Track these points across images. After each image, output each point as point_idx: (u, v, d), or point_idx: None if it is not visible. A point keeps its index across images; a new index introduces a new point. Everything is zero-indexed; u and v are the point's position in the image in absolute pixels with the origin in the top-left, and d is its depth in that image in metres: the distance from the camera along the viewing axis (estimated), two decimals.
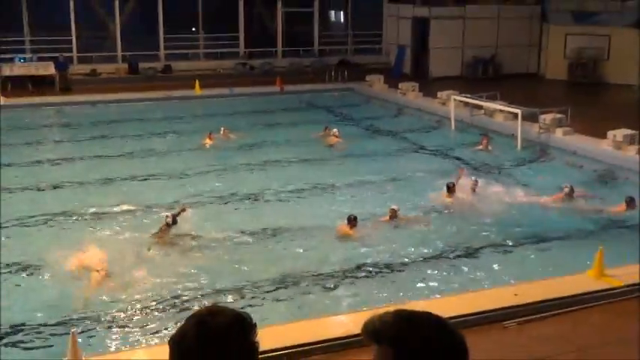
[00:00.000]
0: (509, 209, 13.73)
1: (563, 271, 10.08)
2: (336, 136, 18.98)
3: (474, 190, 14.35)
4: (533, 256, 11.40)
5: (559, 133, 18.53)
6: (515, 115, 19.07)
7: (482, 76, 29.73)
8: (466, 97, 21.35)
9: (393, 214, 12.53)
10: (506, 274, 10.63)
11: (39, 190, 14.86)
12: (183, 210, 12.32)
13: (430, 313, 2.19)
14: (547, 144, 18.58)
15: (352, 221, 11.79)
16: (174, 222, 11.83)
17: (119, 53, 29.68)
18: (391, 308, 2.22)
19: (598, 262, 9.41)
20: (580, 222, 12.97)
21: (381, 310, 2.21)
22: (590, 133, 18.36)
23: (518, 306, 8.63)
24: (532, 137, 18.82)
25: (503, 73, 30.28)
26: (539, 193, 14.72)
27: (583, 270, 9.65)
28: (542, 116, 18.97)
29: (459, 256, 11.33)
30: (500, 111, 20.44)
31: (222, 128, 19.05)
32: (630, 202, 13.13)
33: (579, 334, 8.23)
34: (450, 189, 13.92)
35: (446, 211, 13.67)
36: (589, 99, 25.50)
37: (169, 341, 2.18)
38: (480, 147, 18.46)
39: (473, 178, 14.76)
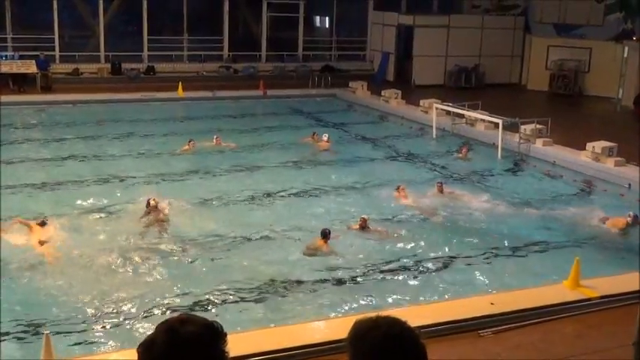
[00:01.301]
0: (483, 218, 13.83)
1: (537, 281, 10.19)
2: (327, 141, 19.04)
3: (441, 192, 14.84)
4: (509, 265, 11.46)
5: (539, 143, 18.68)
6: (497, 125, 19.20)
7: (465, 85, 29.91)
8: (448, 105, 21.46)
9: (363, 224, 12.50)
10: (480, 283, 10.70)
11: (8, 187, 14.59)
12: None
13: (395, 319, 2.33)
14: (527, 154, 18.72)
15: (327, 236, 11.68)
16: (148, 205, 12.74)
17: (102, 53, 29.52)
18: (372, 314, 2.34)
19: (574, 273, 9.49)
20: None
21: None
22: (570, 145, 18.52)
23: (494, 315, 8.67)
24: (512, 147, 18.96)
25: (486, 82, 30.47)
26: (517, 202, 14.86)
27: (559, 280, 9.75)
28: (523, 126, 19.11)
29: (429, 266, 11.32)
30: (482, 120, 20.57)
31: (215, 137, 18.88)
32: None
33: (553, 344, 8.28)
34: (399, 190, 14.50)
35: (417, 219, 13.72)
36: (569, 110, 25.71)
37: (138, 348, 2.17)
38: (460, 155, 18.63)
39: (449, 189, 14.99)
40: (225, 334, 2.19)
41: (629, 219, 13.08)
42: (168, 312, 9.22)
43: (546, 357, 7.92)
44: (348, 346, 2.30)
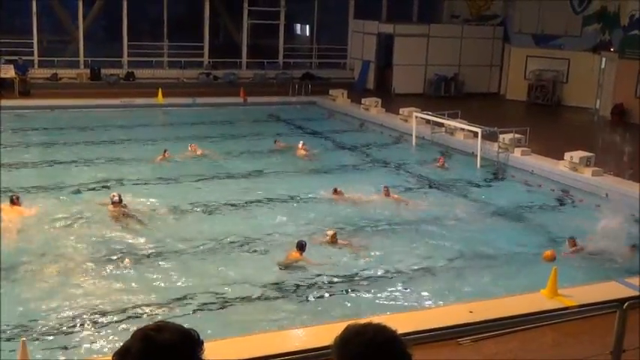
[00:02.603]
0: (460, 226, 13.90)
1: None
2: (305, 150, 19.09)
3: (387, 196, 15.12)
4: (484, 276, 11.49)
5: (517, 152, 18.81)
6: (476, 134, 19.31)
7: (445, 94, 30.08)
8: (428, 114, 21.56)
9: (333, 239, 12.45)
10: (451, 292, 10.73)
11: None
12: None
13: (383, 326, 2.33)
14: (506, 163, 18.84)
15: (302, 248, 11.60)
16: (120, 200, 13.21)
17: (81, 58, 29.34)
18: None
19: (552, 282, 9.55)
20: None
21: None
22: (548, 154, 18.66)
23: (472, 323, 8.69)
24: (491, 156, 19.07)
25: (465, 91, 30.67)
26: (494, 212, 14.96)
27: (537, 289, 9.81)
28: (502, 136, 19.24)
29: (396, 276, 11.30)
30: (461, 129, 20.68)
31: (189, 145, 18.76)
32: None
33: (531, 352, 8.31)
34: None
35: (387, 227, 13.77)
36: (547, 120, 25.94)
37: (113, 356, 2.14)
38: (437, 165, 18.70)
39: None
40: (202, 342, 2.17)
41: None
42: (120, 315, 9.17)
43: None
44: (334, 352, 2.30)
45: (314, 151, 19.42)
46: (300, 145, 19.29)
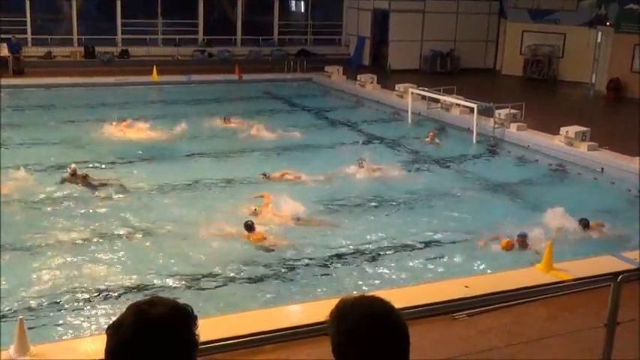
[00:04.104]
0: (454, 201, 13.96)
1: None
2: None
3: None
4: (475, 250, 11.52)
5: (513, 128, 18.79)
6: (471, 110, 19.28)
7: (440, 70, 29.97)
8: (424, 90, 21.50)
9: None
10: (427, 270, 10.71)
11: None
12: None
13: (378, 299, 2.34)
14: (502, 138, 18.83)
15: (249, 228, 11.46)
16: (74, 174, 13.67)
17: (75, 36, 29.14)
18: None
19: (547, 256, 9.59)
20: None
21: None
22: (544, 129, 18.65)
23: (468, 298, 8.72)
24: (487, 131, 19.06)
25: (461, 67, 30.55)
26: (489, 186, 15.00)
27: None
28: (498, 111, 19.22)
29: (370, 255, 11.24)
30: (457, 105, 20.65)
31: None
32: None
33: (525, 326, 8.36)
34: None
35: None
36: (543, 95, 25.88)
37: (107, 330, 2.15)
38: (427, 139, 18.68)
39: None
40: (196, 317, 2.17)
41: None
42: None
43: (519, 339, 7.98)
44: (330, 326, 2.30)
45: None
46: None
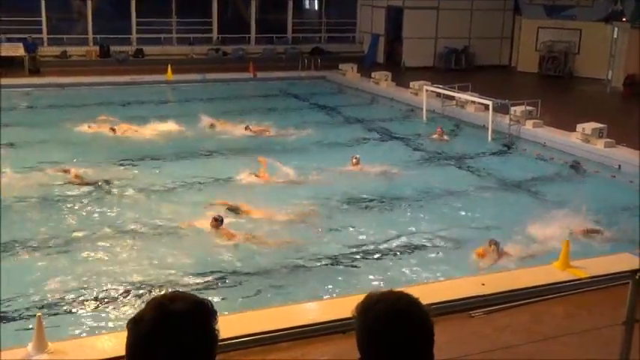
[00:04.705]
0: (468, 199, 13.88)
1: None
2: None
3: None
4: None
5: (529, 125, 18.69)
6: (487, 107, 19.20)
7: (455, 67, 29.86)
8: (438, 87, 21.44)
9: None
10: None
11: None
12: None
13: (405, 294, 2.33)
14: (517, 135, 18.73)
15: (216, 221, 11.39)
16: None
17: (90, 36, 29.29)
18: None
19: (564, 254, 9.52)
20: None
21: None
22: (560, 126, 18.53)
23: (485, 296, 8.70)
24: (503, 128, 18.96)
25: (476, 64, 30.44)
26: (504, 183, 14.91)
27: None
28: (513, 108, 19.11)
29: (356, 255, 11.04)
30: (472, 102, 20.56)
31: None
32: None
33: (542, 324, 8.31)
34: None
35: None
36: (559, 92, 25.73)
37: (127, 324, 2.16)
38: (435, 136, 18.60)
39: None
40: (216, 312, 2.18)
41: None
42: None
43: (536, 337, 7.94)
44: (355, 320, 2.29)
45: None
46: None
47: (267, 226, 11.88)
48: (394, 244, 11.41)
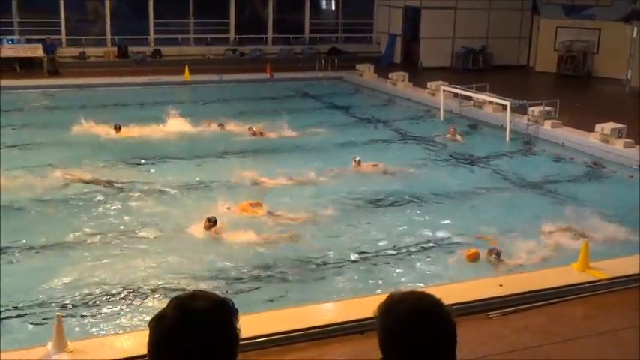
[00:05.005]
0: (487, 199, 13.81)
1: None
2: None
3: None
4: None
5: (547, 125, 18.58)
6: (504, 107, 19.11)
7: (473, 67, 29.74)
8: (456, 87, 21.38)
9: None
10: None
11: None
12: None
13: (427, 294, 2.35)
14: (535, 136, 18.63)
15: (210, 222, 11.40)
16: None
17: (108, 37, 29.48)
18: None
19: (583, 255, 9.46)
20: None
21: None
22: (579, 126, 18.41)
23: (502, 297, 8.66)
24: (521, 129, 18.87)
25: (493, 64, 30.30)
26: (523, 184, 14.83)
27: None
28: (531, 108, 19.02)
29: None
30: (490, 102, 20.48)
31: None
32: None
33: (562, 325, 8.27)
34: None
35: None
36: (578, 92, 25.56)
37: (149, 323, 2.18)
38: (448, 136, 18.54)
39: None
40: (237, 311, 2.19)
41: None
42: None
43: (554, 339, 7.91)
44: (377, 319, 2.30)
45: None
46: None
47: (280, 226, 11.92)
48: (409, 243, 11.38)
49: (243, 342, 2.21)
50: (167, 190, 13.78)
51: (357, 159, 15.50)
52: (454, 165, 16.56)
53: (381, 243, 11.39)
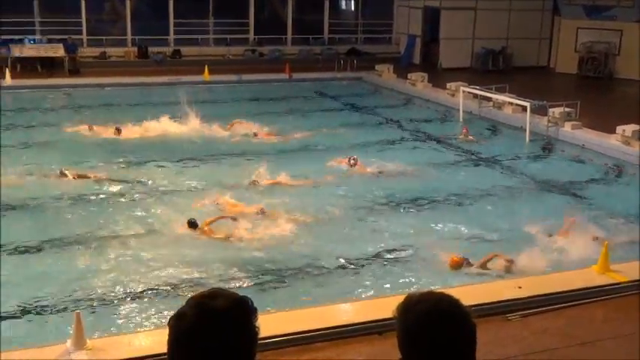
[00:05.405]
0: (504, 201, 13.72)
1: None
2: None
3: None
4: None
5: (568, 126, 18.45)
6: (524, 108, 19.01)
7: (492, 68, 29.57)
8: (475, 88, 21.28)
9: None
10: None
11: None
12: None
13: (446, 295, 2.35)
14: (555, 137, 18.51)
15: (192, 225, 11.44)
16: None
17: (129, 37, 29.65)
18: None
19: (603, 257, 9.38)
20: None
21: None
22: (599, 128, 18.26)
23: (522, 299, 8.61)
24: (541, 130, 18.76)
25: (513, 65, 30.11)
26: (543, 185, 14.73)
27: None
28: (551, 109, 18.89)
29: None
30: (510, 103, 20.37)
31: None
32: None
33: (581, 328, 8.21)
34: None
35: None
36: (599, 93, 25.35)
37: (169, 322, 2.19)
38: (461, 136, 18.47)
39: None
40: (256, 310, 2.19)
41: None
42: None
43: (573, 341, 7.86)
44: (396, 320, 2.30)
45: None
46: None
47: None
48: (422, 245, 11.32)
49: (260, 342, 2.22)
50: (181, 190, 13.84)
51: (354, 157, 15.44)
52: (473, 166, 16.51)
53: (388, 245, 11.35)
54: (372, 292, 9.55)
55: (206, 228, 11.48)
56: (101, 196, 13.42)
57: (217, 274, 10.04)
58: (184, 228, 11.57)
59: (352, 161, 15.33)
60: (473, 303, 8.09)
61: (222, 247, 11.13)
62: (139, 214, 12.53)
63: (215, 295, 2.20)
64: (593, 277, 9.28)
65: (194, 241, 11.26)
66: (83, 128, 18.27)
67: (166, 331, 2.19)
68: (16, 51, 26.11)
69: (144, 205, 13.00)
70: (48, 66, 26.23)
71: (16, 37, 27.04)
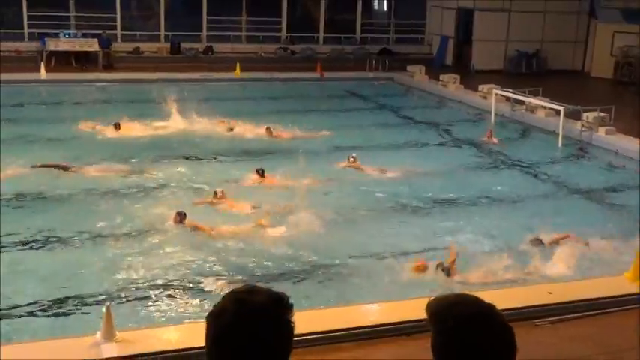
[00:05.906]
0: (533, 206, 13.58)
1: None
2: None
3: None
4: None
5: (601, 131, 18.21)
6: (557, 112, 18.81)
7: (526, 71, 29.32)
8: (508, 91, 21.11)
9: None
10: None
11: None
12: None
13: (479, 298, 2.32)
14: (589, 142, 18.28)
15: (179, 215, 11.42)
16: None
17: (162, 33, 29.92)
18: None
19: (635, 265, 9.25)
20: None
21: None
22: (634, 134, 17.99)
23: (551, 304, 8.52)
24: (574, 135, 18.55)
25: (548, 68, 29.83)
26: (574, 191, 14.56)
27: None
28: (585, 114, 18.67)
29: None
30: (542, 107, 20.17)
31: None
32: None
33: (611, 336, 8.10)
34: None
35: None
36: (634, 99, 24.97)
37: (207, 317, 2.21)
38: (485, 139, 18.31)
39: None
40: (292, 305, 2.21)
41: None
42: None
43: (603, 349, 7.75)
44: (431, 323, 2.26)
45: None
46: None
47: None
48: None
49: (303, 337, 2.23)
50: (204, 187, 13.89)
51: (353, 155, 15.35)
52: (507, 169, 16.40)
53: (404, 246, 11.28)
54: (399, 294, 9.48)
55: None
56: (132, 190, 13.54)
57: (228, 271, 10.10)
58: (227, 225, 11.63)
59: (351, 159, 15.26)
60: (501, 307, 8.04)
61: (248, 243, 11.15)
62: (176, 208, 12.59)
63: (252, 291, 2.22)
64: (624, 284, 9.15)
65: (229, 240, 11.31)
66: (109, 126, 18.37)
67: (195, 326, 2.22)
68: (52, 45, 26.47)
69: (184, 199, 13.06)
70: (82, 60, 26.54)
71: (52, 31, 27.42)
